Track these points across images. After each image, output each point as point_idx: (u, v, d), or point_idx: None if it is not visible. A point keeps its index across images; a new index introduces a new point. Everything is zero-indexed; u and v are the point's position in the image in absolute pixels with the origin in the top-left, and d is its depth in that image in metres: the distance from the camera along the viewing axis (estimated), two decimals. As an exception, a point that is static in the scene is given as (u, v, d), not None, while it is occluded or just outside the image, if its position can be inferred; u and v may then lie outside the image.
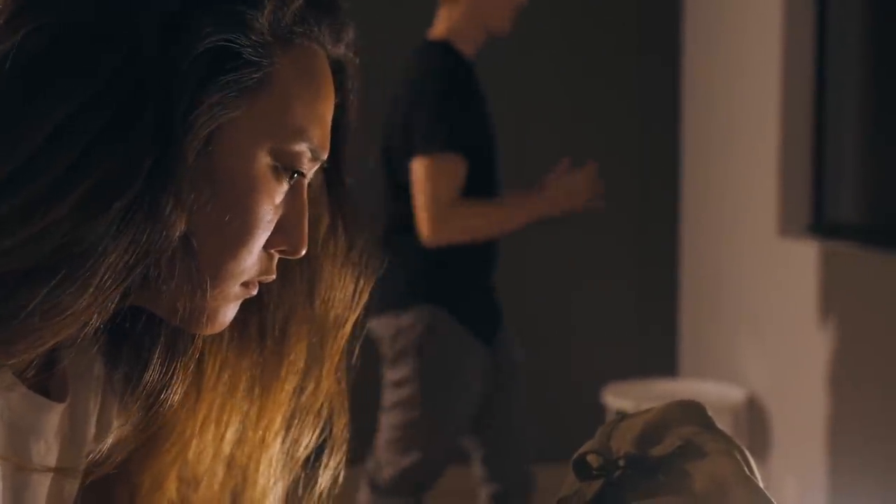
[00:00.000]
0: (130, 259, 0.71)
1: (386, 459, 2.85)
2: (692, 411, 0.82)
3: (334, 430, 0.94)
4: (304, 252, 0.83)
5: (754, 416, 3.74)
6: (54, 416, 0.80)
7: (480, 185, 2.79)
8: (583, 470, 0.80)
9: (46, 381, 0.80)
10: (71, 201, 0.69)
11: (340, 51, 0.85)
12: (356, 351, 0.96)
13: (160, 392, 0.82)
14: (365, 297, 0.93)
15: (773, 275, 3.64)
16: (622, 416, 0.84)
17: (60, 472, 0.80)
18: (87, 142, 0.70)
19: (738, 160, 3.97)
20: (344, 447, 0.94)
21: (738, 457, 0.79)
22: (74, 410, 0.83)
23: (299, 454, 0.92)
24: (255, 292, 0.82)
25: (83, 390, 0.85)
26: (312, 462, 0.94)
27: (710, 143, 4.23)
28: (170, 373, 0.83)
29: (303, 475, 0.94)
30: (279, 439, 0.91)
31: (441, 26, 2.84)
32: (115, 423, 0.88)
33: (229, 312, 0.81)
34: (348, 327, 0.92)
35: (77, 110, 0.70)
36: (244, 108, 0.76)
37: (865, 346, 3.09)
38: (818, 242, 3.45)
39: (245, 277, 0.80)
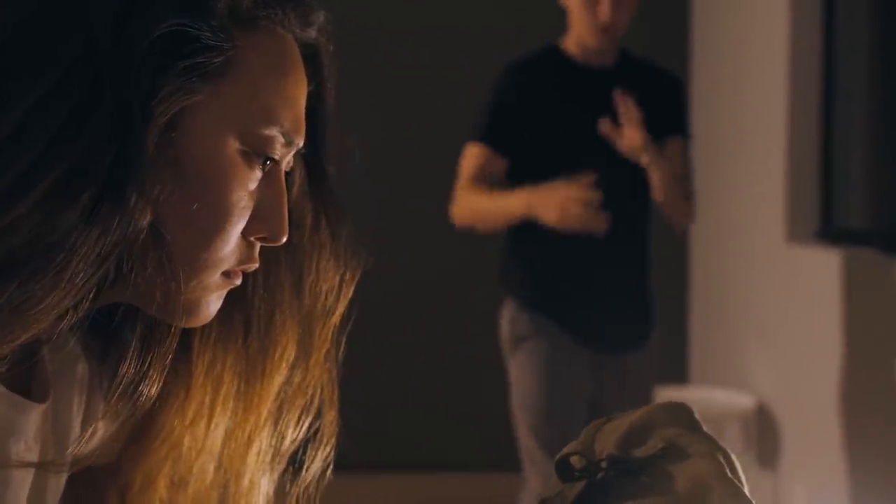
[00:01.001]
0: (100, 251, 0.71)
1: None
2: (678, 413, 0.82)
3: (323, 423, 0.93)
4: (285, 238, 0.82)
5: (764, 423, 3.73)
6: (35, 417, 0.79)
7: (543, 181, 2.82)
8: (565, 471, 0.80)
9: (27, 381, 0.80)
10: (36, 196, 0.69)
11: (311, 35, 0.84)
12: (342, 343, 0.95)
13: (138, 384, 0.81)
14: (352, 287, 0.92)
15: (782, 281, 3.63)
16: (607, 418, 0.84)
17: (41, 467, 0.80)
18: (50, 136, 0.70)
19: (746, 166, 3.96)
20: (333, 440, 0.93)
21: (721, 458, 0.78)
22: (56, 411, 0.83)
23: (286, 447, 0.92)
24: (238, 282, 0.82)
25: (65, 390, 0.84)
26: (300, 456, 0.94)
27: (718, 149, 4.22)
28: (146, 364, 0.82)
29: (291, 469, 0.94)
30: (267, 432, 0.91)
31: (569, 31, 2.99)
32: (101, 424, 0.88)
33: (212, 304, 0.81)
34: (336, 317, 0.92)
35: (36, 105, 0.70)
36: (206, 92, 0.76)
37: (875, 352, 3.08)
38: (827, 249, 3.44)
39: (225, 266, 0.79)
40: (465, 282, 4.41)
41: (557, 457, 0.80)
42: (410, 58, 4.42)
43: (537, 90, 2.90)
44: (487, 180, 2.86)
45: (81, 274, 0.71)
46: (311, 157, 0.87)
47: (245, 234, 0.80)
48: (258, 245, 0.82)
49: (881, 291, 3.05)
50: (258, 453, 0.91)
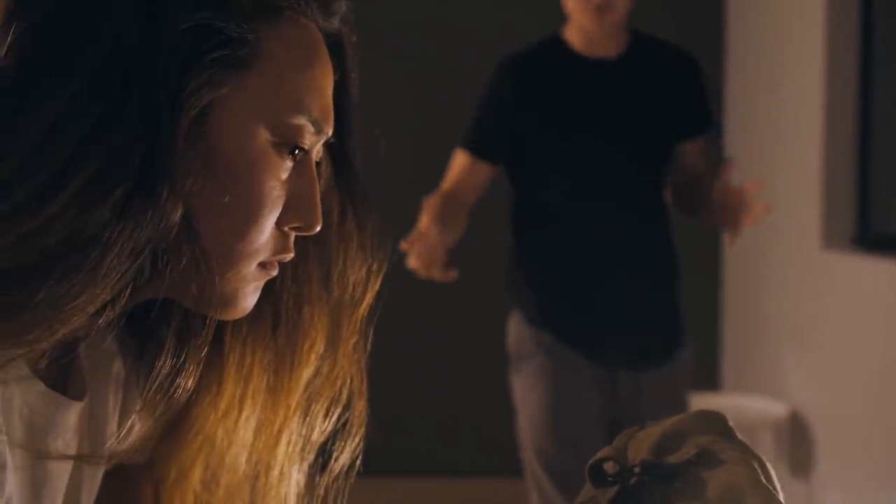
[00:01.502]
0: (134, 245, 0.72)
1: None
2: (711, 420, 0.82)
3: (352, 413, 0.93)
4: (319, 227, 0.83)
5: (797, 431, 3.70)
6: (73, 415, 0.80)
7: (568, 183, 2.65)
8: (598, 476, 0.79)
9: (65, 378, 0.81)
10: (68, 195, 0.70)
11: (334, 25, 0.84)
12: (370, 335, 0.95)
13: (174, 378, 0.82)
14: (379, 278, 0.92)
15: (817, 288, 3.61)
16: (641, 426, 0.84)
17: (78, 460, 0.81)
18: (81, 136, 0.71)
19: (782, 172, 3.93)
20: (362, 431, 0.94)
21: (756, 465, 0.78)
22: (93, 408, 0.84)
23: (315, 438, 0.92)
24: (274, 273, 0.82)
25: (102, 388, 0.85)
26: (329, 447, 0.94)
27: (753, 154, 4.19)
28: (182, 357, 0.82)
29: (321, 461, 0.94)
30: (297, 423, 0.91)
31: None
32: (137, 421, 0.88)
33: (250, 296, 0.81)
34: (364, 308, 0.92)
35: (67, 107, 0.71)
36: (234, 85, 0.76)
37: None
38: (862, 255, 3.41)
39: (261, 257, 0.80)
40: (470, 287, 4.40)
41: (590, 462, 0.80)
42: (413, 54, 4.41)
43: (535, 87, 2.65)
44: (469, 190, 2.67)
45: (116, 269, 0.72)
46: (336, 148, 0.87)
47: (279, 224, 0.80)
48: (292, 235, 0.82)
49: (918, 299, 3.02)
50: (288, 444, 0.91)
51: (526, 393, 2.68)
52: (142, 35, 0.73)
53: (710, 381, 4.38)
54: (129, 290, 0.74)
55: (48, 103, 0.71)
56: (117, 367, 0.87)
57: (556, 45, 2.68)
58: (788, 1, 3.90)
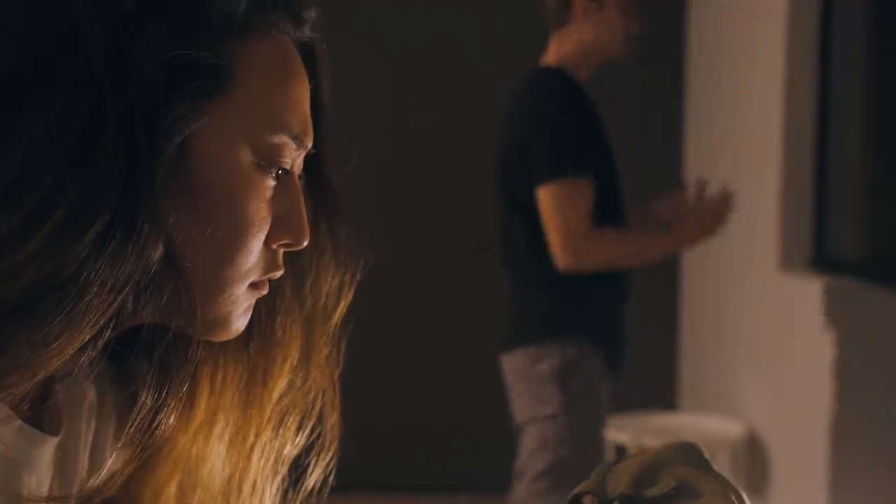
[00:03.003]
0: (114, 284, 0.71)
1: (534, 497, 2.73)
2: (689, 452, 0.82)
3: (325, 427, 0.92)
4: (307, 241, 0.82)
5: (754, 450, 3.73)
6: (48, 450, 0.79)
7: (605, 208, 2.74)
8: (578, 510, 0.79)
9: (40, 412, 0.79)
10: (44, 234, 0.68)
11: (305, 33, 0.83)
12: (342, 347, 0.94)
13: (155, 415, 0.81)
14: (352, 288, 0.91)
15: (774, 309, 3.64)
16: (618, 458, 0.84)
17: (53, 502, 0.79)
18: (56, 172, 0.69)
19: (740, 194, 3.97)
20: (335, 445, 0.93)
21: (734, 498, 0.78)
22: (67, 443, 0.82)
23: (288, 452, 0.91)
24: (265, 291, 0.81)
25: (76, 422, 0.84)
26: (303, 460, 0.93)
27: (712, 176, 4.23)
28: (163, 396, 0.81)
29: (293, 475, 0.93)
30: (269, 437, 0.90)
31: (553, 53, 2.83)
32: (109, 454, 0.87)
33: (241, 317, 0.80)
34: (337, 319, 0.91)
35: (40, 144, 0.69)
36: (211, 113, 0.75)
37: (866, 381, 3.08)
38: (819, 277, 3.45)
39: (252, 277, 0.79)
40: (468, 300, 4.40)
41: (570, 497, 0.80)
42: (401, 62, 4.43)
43: (586, 115, 2.76)
44: (588, 215, 2.68)
45: (96, 308, 0.70)
46: (309, 157, 0.85)
47: (267, 242, 0.79)
48: (281, 251, 0.81)
49: (873, 321, 3.06)
50: (261, 458, 0.90)
51: (576, 406, 2.71)
52: (113, 66, 0.71)
53: (668, 400, 4.41)
54: (111, 326, 0.73)
55: (21, 138, 0.69)
56: (91, 394, 0.86)
57: (564, 73, 2.78)
58: (748, 24, 3.95)
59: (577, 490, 0.81)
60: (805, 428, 3.41)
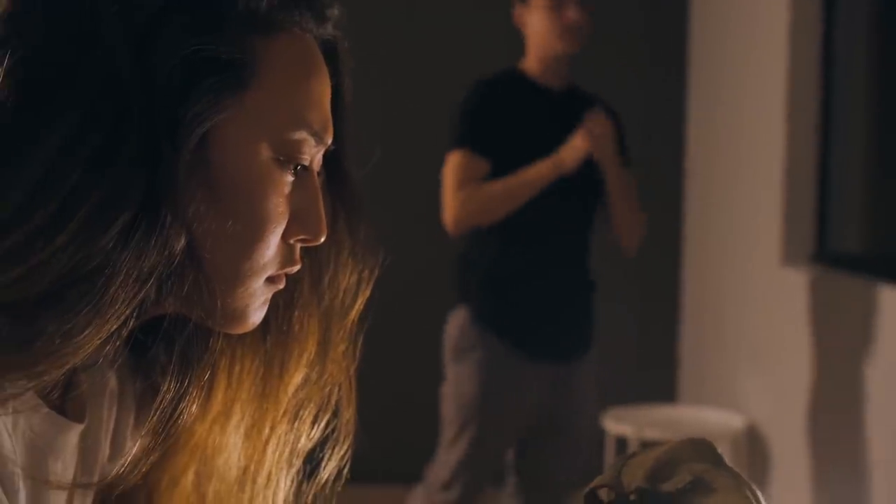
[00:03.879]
0: (139, 275, 0.72)
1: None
2: (702, 449, 0.83)
3: (340, 421, 0.93)
4: (324, 237, 0.83)
5: (754, 444, 3.74)
6: (73, 437, 0.80)
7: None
8: (594, 503, 0.80)
9: (64, 400, 0.81)
10: (71, 229, 0.70)
11: (328, 31, 0.83)
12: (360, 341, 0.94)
13: (176, 405, 0.82)
14: (370, 284, 0.92)
15: (776, 303, 3.65)
16: (632, 452, 0.85)
17: (79, 488, 0.81)
18: (82, 169, 0.70)
19: (742, 188, 3.98)
20: (349, 440, 0.93)
21: (748, 493, 0.80)
22: (90, 431, 0.84)
23: (302, 445, 0.92)
24: (282, 286, 0.82)
25: (99, 410, 0.85)
26: (318, 453, 0.94)
27: (715, 170, 4.24)
28: (185, 386, 0.83)
29: (307, 469, 0.94)
30: (284, 429, 0.91)
31: (526, 56, 3.07)
32: (129, 442, 0.88)
33: (258, 311, 0.81)
34: (354, 314, 0.92)
35: (66, 140, 0.71)
36: (233, 108, 0.76)
37: (867, 375, 3.10)
38: (821, 272, 3.46)
39: (269, 272, 0.80)
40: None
41: (586, 489, 0.81)
42: (408, 59, 4.42)
43: (505, 105, 2.98)
44: (474, 182, 2.94)
45: (122, 298, 0.72)
46: (329, 154, 0.86)
47: (284, 237, 0.80)
48: (298, 246, 0.82)
49: (874, 315, 3.07)
50: (275, 450, 0.91)
51: (460, 384, 2.99)
52: (136, 64, 0.72)
53: (668, 393, 4.43)
54: (134, 317, 0.74)
55: (48, 137, 0.70)
56: (112, 382, 0.87)
57: (518, 73, 3.04)
58: (751, 21, 3.95)
59: (594, 483, 0.82)
60: (805, 422, 3.42)
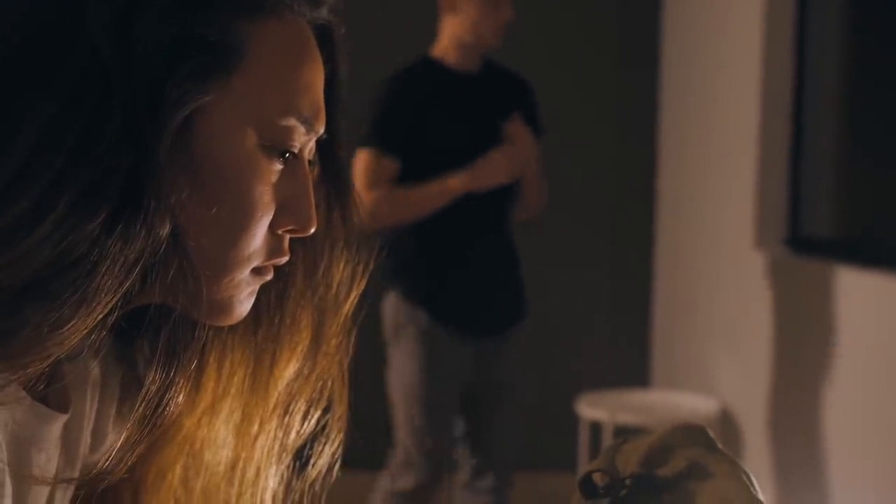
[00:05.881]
0: (124, 263, 0.71)
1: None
2: (696, 434, 0.83)
3: (332, 418, 0.92)
4: (314, 228, 0.81)
5: (727, 428, 3.77)
6: (57, 427, 0.79)
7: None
8: (589, 488, 0.80)
9: (46, 390, 0.79)
10: (55, 217, 0.68)
11: (322, 15, 0.81)
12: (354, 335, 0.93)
13: (162, 397, 0.80)
14: (364, 277, 0.90)
15: (748, 287, 3.67)
16: (624, 438, 0.85)
17: (63, 482, 0.80)
18: (64, 155, 0.69)
19: (715, 172, 4.00)
20: (340, 436, 0.92)
21: (744, 477, 0.79)
22: (73, 421, 0.82)
23: (292, 440, 0.91)
24: (269, 277, 0.80)
25: (82, 400, 0.84)
26: (307, 450, 0.93)
27: (687, 155, 4.25)
28: (171, 376, 0.81)
29: (298, 464, 0.92)
30: (274, 425, 0.89)
31: (438, 42, 3.11)
32: (112, 433, 0.87)
33: (244, 302, 0.79)
34: (348, 307, 0.90)
35: (47, 126, 0.69)
36: (218, 92, 0.74)
37: (840, 360, 3.12)
38: (794, 256, 3.48)
39: (255, 262, 0.78)
40: None
41: (581, 474, 0.81)
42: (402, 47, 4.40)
43: (419, 97, 3.03)
44: (384, 182, 2.98)
45: (107, 287, 0.70)
46: (323, 144, 0.84)
47: (272, 227, 0.78)
48: (287, 237, 0.80)
49: (847, 299, 3.10)
50: (265, 445, 0.90)
51: (400, 363, 3.08)
52: (118, 45, 0.70)
53: (641, 377, 4.45)
54: (119, 306, 0.73)
55: (30, 123, 0.69)
56: (95, 372, 0.86)
57: (431, 63, 3.09)
58: (725, 5, 3.96)
59: (588, 468, 0.81)
60: (777, 406, 3.45)
